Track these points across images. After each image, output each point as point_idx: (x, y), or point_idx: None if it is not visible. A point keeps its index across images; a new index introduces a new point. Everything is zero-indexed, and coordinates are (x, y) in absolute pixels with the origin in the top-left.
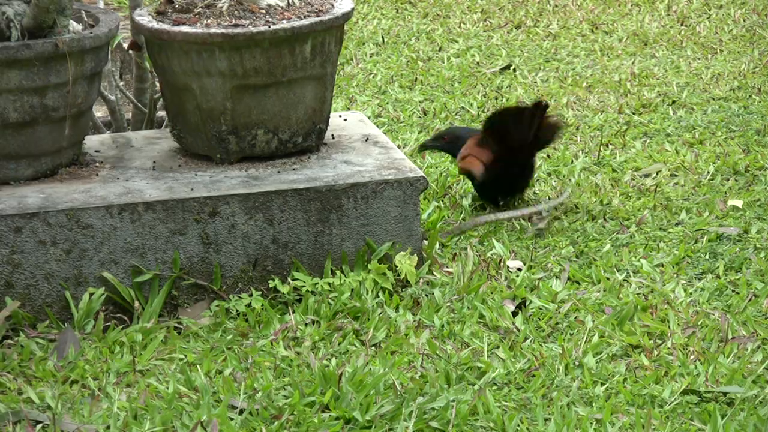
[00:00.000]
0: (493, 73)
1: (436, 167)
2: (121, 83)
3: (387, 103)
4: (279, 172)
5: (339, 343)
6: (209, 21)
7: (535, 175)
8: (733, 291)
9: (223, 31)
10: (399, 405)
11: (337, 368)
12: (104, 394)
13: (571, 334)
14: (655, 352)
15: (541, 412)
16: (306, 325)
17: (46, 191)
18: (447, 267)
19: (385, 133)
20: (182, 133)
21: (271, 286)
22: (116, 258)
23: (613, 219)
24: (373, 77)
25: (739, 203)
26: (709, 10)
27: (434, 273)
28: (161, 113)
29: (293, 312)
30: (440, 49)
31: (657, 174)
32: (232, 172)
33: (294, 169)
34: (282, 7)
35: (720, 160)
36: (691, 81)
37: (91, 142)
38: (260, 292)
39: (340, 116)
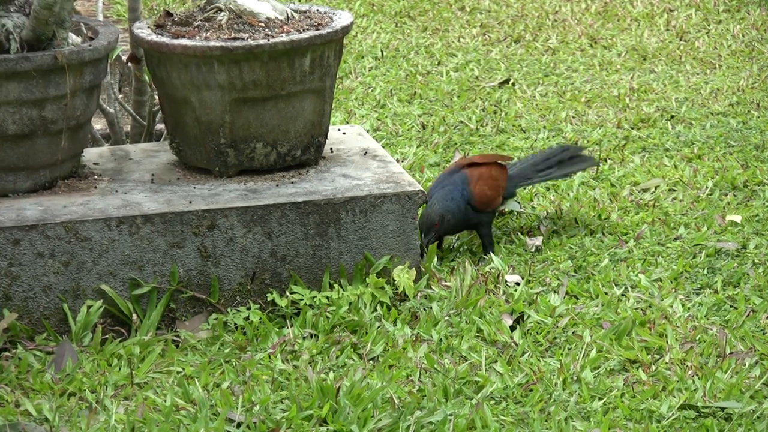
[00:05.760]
0: (492, 87)
1: None
2: (120, 96)
3: (386, 117)
4: (277, 185)
5: (337, 357)
6: (208, 34)
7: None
8: (731, 306)
9: (222, 44)
10: (397, 419)
11: (335, 382)
12: (102, 406)
13: (569, 349)
14: (653, 367)
15: (538, 427)
16: (304, 338)
17: (45, 203)
18: (445, 281)
19: (383, 147)
20: (181, 146)
21: (269, 299)
22: (114, 271)
23: (612, 234)
24: (372, 91)
25: (737, 218)
26: (708, 26)
27: (432, 287)
28: (160, 126)
29: (291, 325)
30: (439, 63)
31: (655, 189)
32: (230, 185)
33: (292, 183)
34: (281, 21)
35: (718, 175)
36: (689, 96)
37: (90, 154)
38: (258, 306)
39: (338, 130)
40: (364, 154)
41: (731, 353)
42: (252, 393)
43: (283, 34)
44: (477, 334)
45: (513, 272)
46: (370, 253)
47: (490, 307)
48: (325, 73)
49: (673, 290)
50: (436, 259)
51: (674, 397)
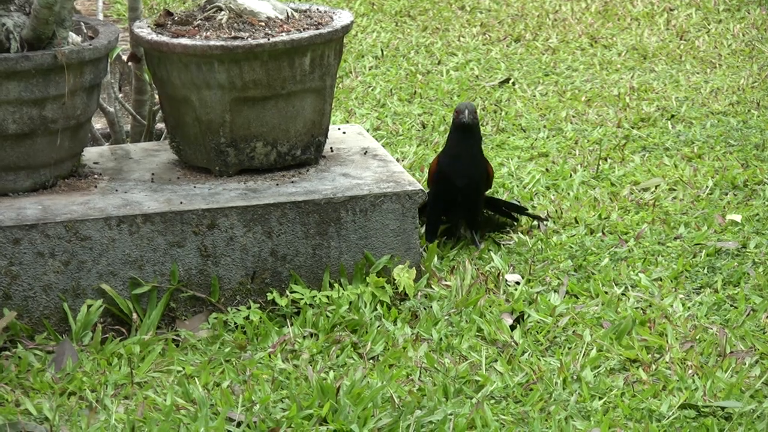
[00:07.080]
0: (492, 86)
1: None
2: (120, 95)
3: (386, 116)
4: (277, 184)
5: (337, 356)
6: (208, 33)
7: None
8: (731, 305)
9: (223, 43)
10: (397, 418)
11: (335, 381)
12: (102, 406)
13: (569, 348)
14: (653, 366)
15: (538, 426)
16: (304, 337)
17: (45, 203)
18: (445, 280)
19: (383, 146)
20: (181, 146)
21: (269, 298)
22: (114, 270)
23: (612, 233)
24: (372, 90)
25: (737, 218)
26: (708, 25)
27: (432, 286)
28: (160, 125)
29: (291, 325)
30: (439, 63)
31: (656, 188)
32: (230, 184)
33: (293, 182)
34: (281, 20)
35: (719, 174)
36: (690, 95)
37: (90, 153)
38: (258, 305)
39: (338, 129)
40: (364, 154)
41: (731, 352)
42: (252, 392)
43: (283, 34)
44: (477, 334)
45: (513, 271)
46: (370, 252)
47: (490, 307)
48: (325, 73)
49: (674, 289)
50: (436, 258)
51: (674, 396)
